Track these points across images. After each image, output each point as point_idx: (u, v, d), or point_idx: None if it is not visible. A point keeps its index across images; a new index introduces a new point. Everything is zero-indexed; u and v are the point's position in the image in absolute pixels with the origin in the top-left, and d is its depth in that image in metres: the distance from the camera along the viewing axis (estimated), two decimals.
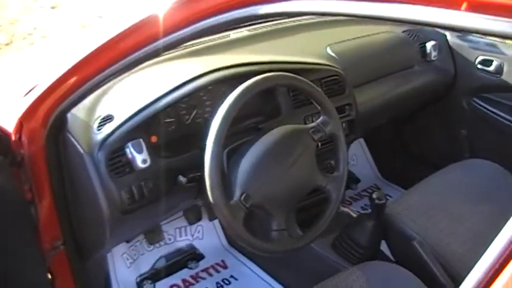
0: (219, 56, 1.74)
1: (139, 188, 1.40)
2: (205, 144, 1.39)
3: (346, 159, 1.57)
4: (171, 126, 1.51)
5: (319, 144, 1.64)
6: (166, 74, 1.58)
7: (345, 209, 2.01)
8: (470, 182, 2.02)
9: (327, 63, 1.83)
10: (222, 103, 1.36)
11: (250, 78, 1.43)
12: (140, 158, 1.36)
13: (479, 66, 2.20)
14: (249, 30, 1.96)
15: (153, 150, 1.41)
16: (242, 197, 1.34)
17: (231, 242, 2.23)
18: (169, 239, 2.15)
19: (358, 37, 2.07)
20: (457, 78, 2.29)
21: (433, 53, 2.21)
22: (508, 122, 2.18)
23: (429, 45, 2.21)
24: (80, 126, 1.40)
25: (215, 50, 1.79)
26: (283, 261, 2.03)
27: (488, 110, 2.24)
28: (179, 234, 2.17)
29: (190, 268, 2.12)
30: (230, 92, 1.38)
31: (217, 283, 2.07)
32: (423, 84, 2.23)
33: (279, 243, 1.41)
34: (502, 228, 1.80)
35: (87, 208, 1.43)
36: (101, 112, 1.42)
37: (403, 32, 2.21)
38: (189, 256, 2.15)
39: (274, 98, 1.69)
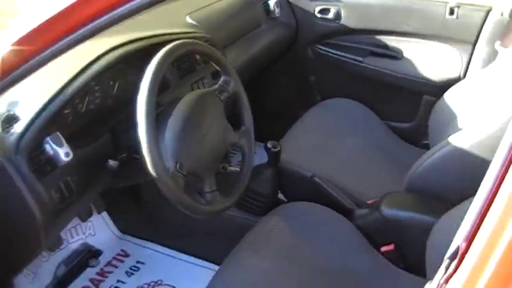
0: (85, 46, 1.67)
1: (66, 184, 1.33)
2: (117, 125, 1.39)
3: (250, 112, 1.64)
4: (96, 100, 1.46)
5: None
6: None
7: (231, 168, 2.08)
8: (335, 119, 2.24)
9: (196, 30, 1.87)
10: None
11: (132, 58, 1.47)
12: (63, 152, 1.28)
13: (318, 15, 2.40)
14: None
15: (70, 142, 1.34)
16: (177, 166, 1.34)
17: (124, 229, 2.19)
18: (63, 243, 2.04)
19: (211, 3, 2.12)
20: (299, 30, 2.47)
21: (276, 10, 2.36)
22: (350, 60, 2.43)
23: (271, 2, 2.35)
24: None
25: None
26: (189, 233, 2.05)
27: (331, 53, 2.46)
28: (71, 236, 2.07)
29: (93, 266, 2.04)
30: (118, 74, 1.41)
31: (126, 272, 2.03)
32: (271, 40, 2.37)
33: (215, 203, 1.45)
34: (375, 155, 2.03)
35: (15, 217, 1.31)
36: None
37: None
38: (88, 255, 2.07)
39: None
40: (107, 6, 1.59)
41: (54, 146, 1.28)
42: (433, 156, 1.64)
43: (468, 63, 2.19)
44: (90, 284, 1.98)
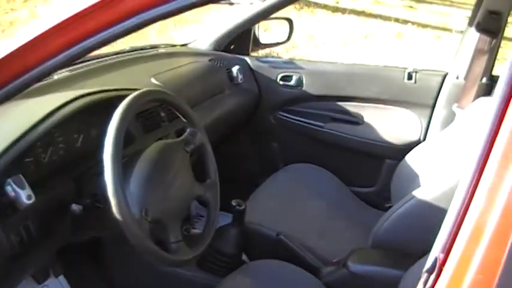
0: (47, 97, 1.66)
1: (26, 228, 1.28)
2: (80, 175, 1.38)
3: (215, 165, 1.63)
4: (59, 152, 1.43)
5: None
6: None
7: (194, 231, 2.04)
8: (298, 183, 2.25)
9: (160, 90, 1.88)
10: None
11: (96, 108, 1.48)
12: (25, 194, 1.23)
13: (280, 82, 2.46)
14: (70, 71, 1.90)
15: (32, 187, 1.30)
16: (143, 213, 1.31)
17: None
18: None
19: (175, 67, 2.15)
20: (262, 96, 2.52)
21: (240, 76, 2.41)
22: (312, 126, 2.47)
23: (235, 69, 2.40)
24: None
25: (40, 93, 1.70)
26: None
27: (294, 119, 2.51)
28: None
29: None
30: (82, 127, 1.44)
31: None
32: (234, 106, 2.40)
33: (181, 254, 1.40)
34: (338, 217, 2.03)
35: None
36: None
37: (209, 60, 2.36)
38: None
39: None
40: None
41: (16, 187, 1.23)
42: (396, 212, 1.66)
43: (428, 125, 2.26)
44: None
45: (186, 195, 1.51)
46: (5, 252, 1.23)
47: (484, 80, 2.08)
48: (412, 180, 1.89)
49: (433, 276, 0.75)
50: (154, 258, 1.35)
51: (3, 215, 1.23)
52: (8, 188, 1.23)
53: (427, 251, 1.37)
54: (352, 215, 2.16)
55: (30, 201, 1.25)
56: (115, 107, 1.42)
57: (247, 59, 2.52)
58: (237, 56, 2.51)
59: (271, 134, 2.59)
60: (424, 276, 0.77)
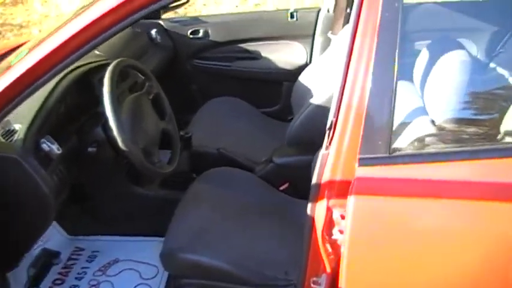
0: None
1: (60, 171, 1.83)
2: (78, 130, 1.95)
3: (169, 105, 2.22)
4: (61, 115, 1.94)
5: None
6: None
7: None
8: (221, 111, 2.87)
9: (105, 58, 2.38)
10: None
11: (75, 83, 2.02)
12: (55, 147, 1.78)
13: (191, 36, 3.05)
14: None
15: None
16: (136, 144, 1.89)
17: (72, 233, 2.60)
18: None
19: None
20: (177, 50, 3.10)
21: (158, 37, 2.97)
22: (222, 67, 3.13)
23: (153, 32, 2.96)
24: None
25: None
26: (129, 219, 2.54)
27: (206, 64, 3.14)
28: None
29: (57, 264, 2.43)
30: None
31: (86, 260, 2.45)
32: (157, 62, 2.94)
33: (164, 168, 2.01)
34: (260, 132, 2.64)
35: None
36: None
37: (130, 28, 2.88)
38: (50, 256, 2.44)
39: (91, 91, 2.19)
40: None
41: (49, 143, 1.77)
42: (301, 116, 2.29)
43: (311, 51, 2.95)
44: (60, 276, 2.39)
45: (156, 129, 2.09)
46: (54, 189, 1.78)
47: (349, 10, 2.73)
48: (306, 94, 2.53)
49: (332, 131, 1.40)
50: (151, 173, 1.93)
51: (45, 164, 1.77)
52: (44, 145, 1.77)
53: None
54: (267, 128, 2.83)
55: (60, 152, 1.80)
56: (86, 80, 1.97)
57: (160, 21, 3.07)
58: (152, 20, 3.05)
59: (190, 78, 3.20)
60: (327, 132, 1.41)
